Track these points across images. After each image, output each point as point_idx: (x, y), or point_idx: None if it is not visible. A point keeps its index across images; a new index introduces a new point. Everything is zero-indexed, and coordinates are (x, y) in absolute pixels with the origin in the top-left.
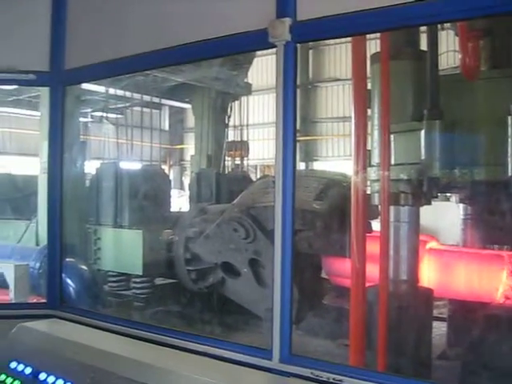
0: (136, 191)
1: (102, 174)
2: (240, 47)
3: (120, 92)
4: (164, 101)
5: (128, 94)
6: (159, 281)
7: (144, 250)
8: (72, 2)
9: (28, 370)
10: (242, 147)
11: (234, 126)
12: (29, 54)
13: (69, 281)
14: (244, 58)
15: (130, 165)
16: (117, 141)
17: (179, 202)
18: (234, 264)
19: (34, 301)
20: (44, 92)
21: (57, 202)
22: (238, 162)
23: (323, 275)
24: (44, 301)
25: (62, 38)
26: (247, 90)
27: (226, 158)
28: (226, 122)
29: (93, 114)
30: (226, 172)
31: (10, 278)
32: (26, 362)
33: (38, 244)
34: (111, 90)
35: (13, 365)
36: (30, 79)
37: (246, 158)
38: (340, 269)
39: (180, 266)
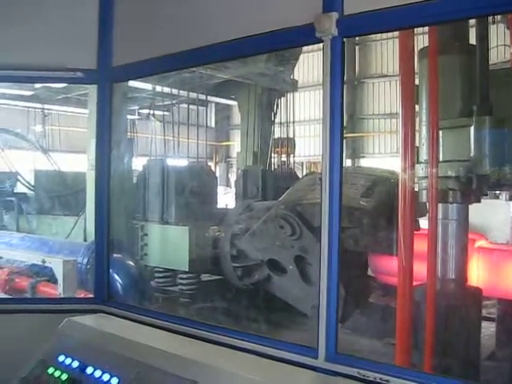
0: (182, 188)
1: (149, 171)
2: (286, 42)
3: (166, 89)
4: (210, 98)
5: (174, 91)
6: (205, 277)
7: (190, 247)
8: None
9: (75, 364)
10: (288, 144)
11: (281, 123)
12: (77, 52)
13: (116, 276)
14: (290, 53)
15: (177, 162)
16: (163, 138)
17: (225, 198)
18: (280, 261)
19: (82, 296)
20: (92, 90)
21: (104, 199)
22: (284, 158)
23: (369, 273)
24: (91, 296)
25: (110, 36)
26: (293, 86)
27: (273, 154)
28: (272, 118)
29: (140, 111)
30: (273, 169)
31: (59, 273)
32: (73, 356)
33: (85, 240)
34: (158, 88)
35: (61, 358)
36: (77, 77)
37: (292, 155)
38: (387, 267)
39: (226, 263)
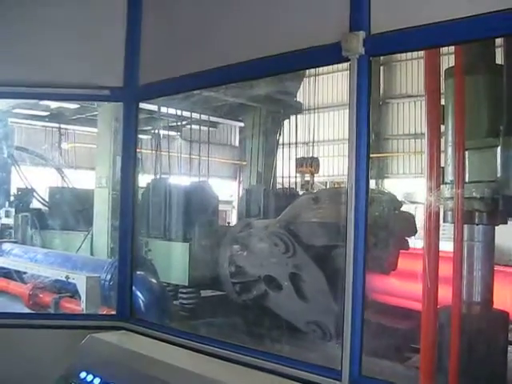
0: (184, 206)
1: (153, 189)
2: (313, 61)
3: (175, 110)
4: (219, 119)
5: (185, 112)
6: (209, 292)
7: (190, 262)
8: (146, 17)
9: (97, 381)
10: (312, 163)
11: (304, 143)
12: (104, 70)
13: (139, 293)
14: (292, 78)
15: (180, 180)
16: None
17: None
18: (276, 277)
19: (105, 312)
20: (102, 110)
21: (129, 216)
22: (307, 178)
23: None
24: (114, 312)
25: (137, 54)
26: (297, 109)
27: (278, 174)
28: (277, 140)
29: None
30: (276, 188)
31: (82, 289)
32: (95, 373)
33: (92, 254)
34: (166, 109)
35: (82, 375)
36: (104, 95)
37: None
38: (378, 285)
39: (225, 279)
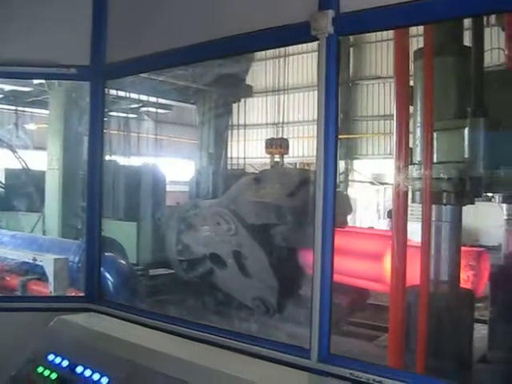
0: (133, 186)
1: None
2: (281, 41)
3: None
4: (172, 102)
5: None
6: (161, 271)
7: (138, 242)
8: None
9: (65, 363)
10: (281, 144)
11: (274, 124)
12: (69, 49)
13: (107, 275)
14: (242, 61)
15: (129, 161)
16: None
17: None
18: (220, 255)
19: (73, 294)
20: (52, 93)
21: (96, 197)
22: (277, 159)
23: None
24: (82, 294)
25: (103, 32)
26: (247, 91)
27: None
28: (228, 122)
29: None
30: (226, 169)
31: (50, 272)
32: (63, 355)
33: (44, 234)
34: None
35: (50, 357)
36: (70, 73)
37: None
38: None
39: (172, 257)
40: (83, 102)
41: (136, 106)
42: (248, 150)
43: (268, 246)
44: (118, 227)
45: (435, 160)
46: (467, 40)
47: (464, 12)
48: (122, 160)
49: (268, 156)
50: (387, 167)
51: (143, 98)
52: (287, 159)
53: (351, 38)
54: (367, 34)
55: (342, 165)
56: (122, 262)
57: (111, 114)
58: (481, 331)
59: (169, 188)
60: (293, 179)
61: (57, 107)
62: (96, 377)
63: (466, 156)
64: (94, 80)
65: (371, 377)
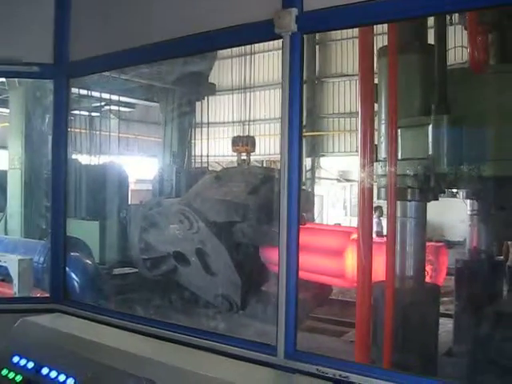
0: (95, 185)
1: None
2: (245, 38)
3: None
4: (135, 100)
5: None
6: (126, 270)
7: (101, 240)
8: None
9: (30, 365)
10: (248, 142)
11: (241, 122)
12: (32, 46)
13: (73, 275)
14: (206, 60)
15: (93, 160)
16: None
17: None
18: (184, 253)
19: (38, 295)
20: (12, 92)
21: (60, 196)
22: (243, 157)
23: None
24: (47, 295)
25: (67, 30)
26: (211, 90)
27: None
28: (192, 120)
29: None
30: (189, 168)
31: (14, 272)
32: (28, 357)
33: (6, 234)
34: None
35: (15, 359)
36: (33, 71)
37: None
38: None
39: (135, 255)
40: (46, 100)
41: (100, 104)
42: (215, 148)
43: (230, 244)
44: (81, 226)
45: (400, 157)
46: (431, 38)
47: (426, 11)
48: (85, 159)
49: (235, 154)
50: (353, 164)
51: (107, 96)
52: (254, 157)
53: (317, 35)
54: (333, 32)
55: (308, 162)
56: (88, 261)
57: (75, 112)
58: (447, 325)
59: (133, 186)
60: (255, 177)
61: (18, 106)
62: (62, 378)
63: (430, 152)
64: (57, 78)
65: (338, 372)
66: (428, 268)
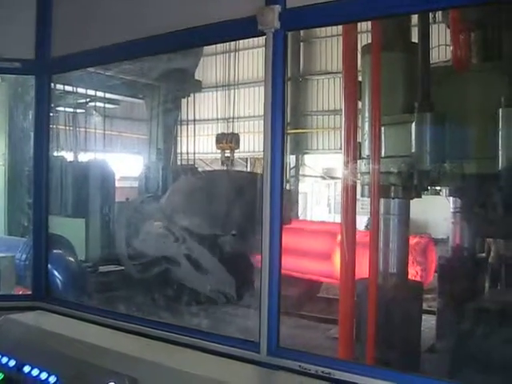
0: (81, 183)
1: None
2: (228, 35)
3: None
4: (119, 97)
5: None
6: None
7: (87, 238)
8: None
9: (12, 363)
10: (232, 139)
11: (225, 119)
12: (13, 42)
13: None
14: (191, 56)
15: (78, 157)
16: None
17: None
18: (174, 257)
19: (20, 293)
20: None
21: (42, 193)
22: (227, 154)
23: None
24: (29, 293)
25: (49, 25)
26: (196, 86)
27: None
28: (177, 117)
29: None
30: (175, 165)
31: None
32: (9, 355)
33: None
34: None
35: None
36: (14, 67)
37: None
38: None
39: (124, 259)
40: (29, 96)
41: (84, 100)
42: (199, 145)
43: (217, 251)
44: (66, 224)
45: (383, 154)
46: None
47: (409, 9)
48: (70, 156)
49: (219, 151)
50: (338, 162)
51: (91, 92)
52: (238, 154)
53: (301, 33)
54: (318, 29)
55: (292, 159)
56: (71, 259)
57: (58, 109)
58: (430, 322)
59: (119, 184)
60: (238, 184)
61: (0, 102)
62: (44, 376)
63: (413, 150)
64: (39, 74)
65: (320, 369)
66: (418, 269)
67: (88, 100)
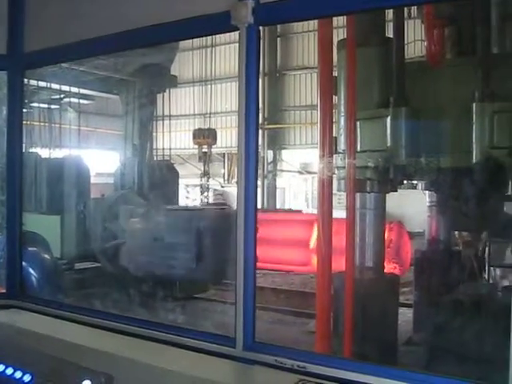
0: (55, 179)
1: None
2: (202, 30)
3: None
4: (94, 93)
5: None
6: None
7: (62, 235)
8: None
9: None
10: (209, 135)
11: (202, 114)
12: None
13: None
14: (166, 51)
15: (52, 154)
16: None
17: None
18: None
19: None
20: None
21: (15, 190)
22: (205, 149)
23: None
24: (3, 291)
25: (21, 19)
26: (172, 82)
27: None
28: (153, 113)
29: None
30: (151, 161)
31: None
32: None
33: None
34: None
35: None
36: None
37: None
38: None
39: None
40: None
41: (58, 96)
42: (176, 140)
43: None
44: (41, 221)
45: (359, 149)
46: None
47: (382, 3)
48: (44, 152)
49: (196, 147)
50: (315, 156)
51: (65, 88)
52: (215, 149)
53: (279, 28)
54: (294, 25)
55: (270, 155)
56: (46, 256)
57: (32, 105)
58: (406, 315)
59: (94, 180)
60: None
61: None
62: (18, 374)
63: (389, 144)
64: (11, 69)
65: (296, 363)
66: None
67: (62, 96)
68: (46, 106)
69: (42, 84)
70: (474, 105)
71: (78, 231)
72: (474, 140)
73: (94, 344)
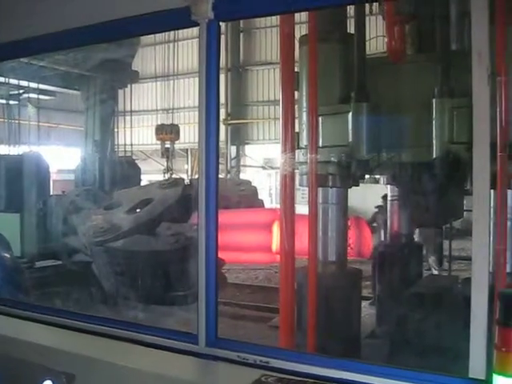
0: (14, 177)
1: None
2: (162, 26)
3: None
4: (54, 88)
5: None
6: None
7: (22, 233)
8: None
9: None
10: (172, 130)
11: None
12: None
13: None
14: (127, 46)
15: (10, 150)
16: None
17: None
18: None
19: None
20: None
21: None
22: (167, 145)
23: None
24: None
25: None
26: (134, 77)
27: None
28: (114, 108)
29: None
30: (112, 157)
31: None
32: None
33: None
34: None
35: None
36: None
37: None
38: None
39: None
40: None
41: (17, 92)
42: (139, 136)
43: None
44: (0, 219)
45: (321, 144)
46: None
47: (339, 1)
48: (2, 149)
49: (159, 142)
50: (278, 152)
51: (24, 83)
52: (178, 145)
53: (241, 23)
54: (257, 20)
55: (233, 150)
56: (6, 255)
57: None
58: (369, 309)
59: (56, 177)
60: None
61: None
62: None
63: (350, 140)
64: None
65: (258, 358)
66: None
67: (21, 91)
68: (3, 101)
69: (0, 79)
70: (434, 101)
71: (39, 229)
72: (434, 135)
73: (56, 344)
